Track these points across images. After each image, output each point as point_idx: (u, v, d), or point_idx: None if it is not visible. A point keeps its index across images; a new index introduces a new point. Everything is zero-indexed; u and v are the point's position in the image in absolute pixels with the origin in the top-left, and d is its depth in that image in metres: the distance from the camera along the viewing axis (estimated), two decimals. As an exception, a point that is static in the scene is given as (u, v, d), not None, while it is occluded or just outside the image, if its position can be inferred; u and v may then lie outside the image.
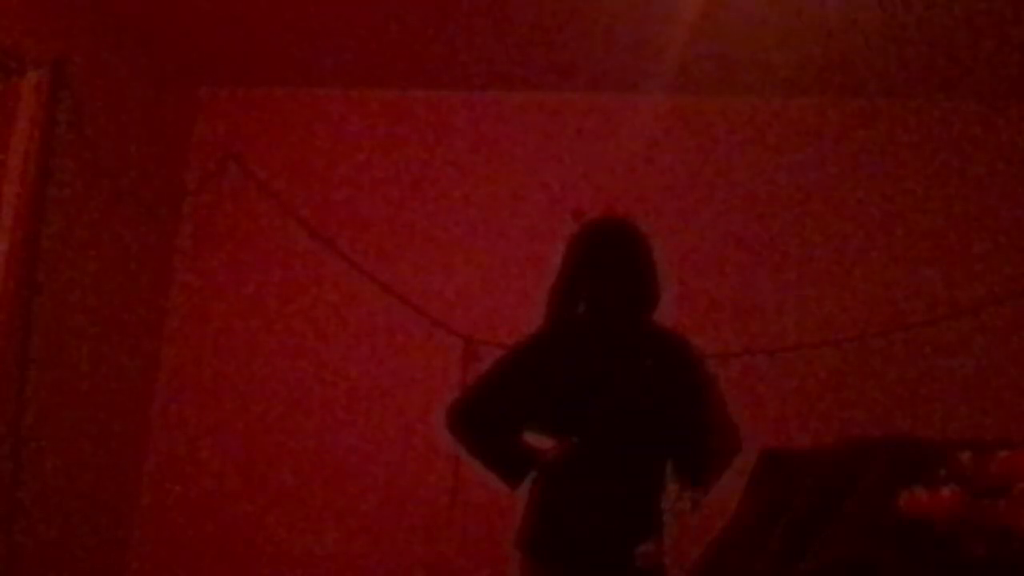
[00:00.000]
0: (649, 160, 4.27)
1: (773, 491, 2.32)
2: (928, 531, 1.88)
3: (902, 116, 4.20)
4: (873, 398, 3.99)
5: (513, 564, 2.76)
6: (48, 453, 3.75)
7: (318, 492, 4.28)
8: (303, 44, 4.17)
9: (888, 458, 2.08)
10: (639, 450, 2.67)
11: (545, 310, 2.79)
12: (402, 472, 4.23)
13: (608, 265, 2.73)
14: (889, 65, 3.93)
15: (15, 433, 3.56)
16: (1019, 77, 3.93)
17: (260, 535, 4.27)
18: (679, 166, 4.29)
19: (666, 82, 4.11)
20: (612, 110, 4.36)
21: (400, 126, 4.51)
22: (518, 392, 2.69)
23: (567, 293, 2.76)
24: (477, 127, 4.46)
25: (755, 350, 3.98)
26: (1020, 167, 4.11)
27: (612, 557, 2.60)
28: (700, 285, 4.10)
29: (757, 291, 4.16)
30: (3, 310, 3.55)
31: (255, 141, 4.56)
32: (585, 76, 4.25)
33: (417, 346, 4.31)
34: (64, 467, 3.86)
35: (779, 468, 2.43)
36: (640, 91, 4.23)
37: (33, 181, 3.62)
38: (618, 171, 4.26)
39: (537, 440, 2.75)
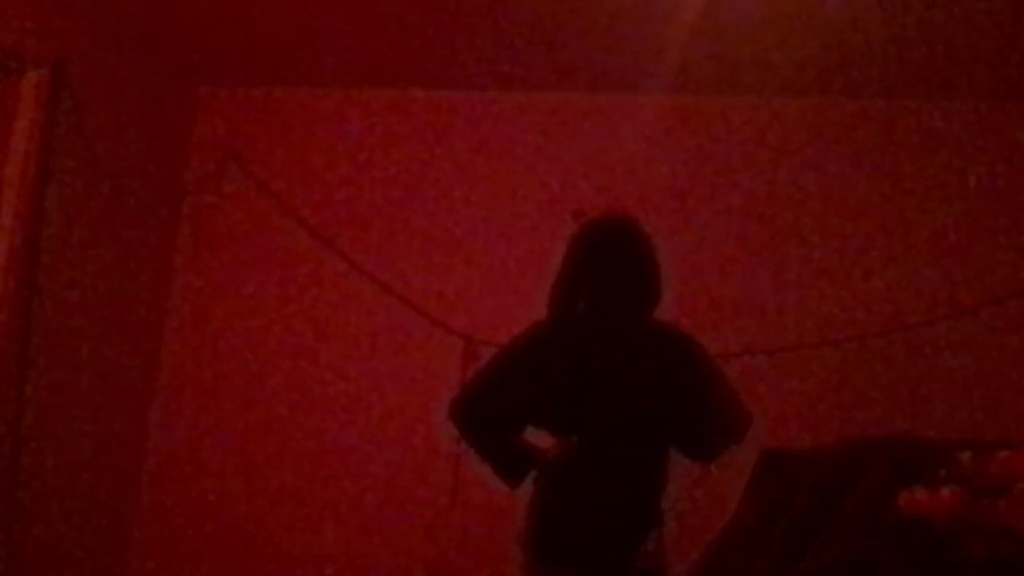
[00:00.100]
0: (649, 160, 4.27)
1: (773, 491, 2.32)
2: (928, 531, 1.88)
3: (902, 116, 4.20)
4: (873, 398, 3.98)
5: (515, 564, 2.76)
6: (48, 453, 3.75)
7: (318, 492, 4.28)
8: (303, 44, 4.17)
9: (888, 458, 2.08)
10: (639, 450, 2.67)
11: (546, 309, 2.79)
12: (402, 472, 4.23)
13: (608, 265, 2.72)
14: (889, 65, 3.93)
15: (15, 433, 3.56)
16: (1019, 77, 3.93)
17: (260, 535, 4.27)
18: (679, 166, 4.29)
19: (666, 82, 4.11)
20: (612, 110, 4.36)
21: (400, 126, 4.51)
22: (518, 392, 2.69)
23: (567, 292, 2.76)
24: (477, 127, 4.46)
25: (755, 350, 3.97)
26: (1020, 167, 4.11)
27: (612, 557, 2.60)
28: (700, 285, 4.10)
29: (757, 291, 4.16)
30: (3, 310, 3.55)
31: (255, 141, 4.56)
32: (585, 76, 4.24)
33: (417, 346, 4.31)
34: (64, 467, 3.86)
35: (779, 468, 2.43)
36: (640, 91, 4.23)
37: (33, 181, 3.62)
38: (618, 171, 4.26)
39: (538, 439, 2.75)
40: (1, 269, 3.55)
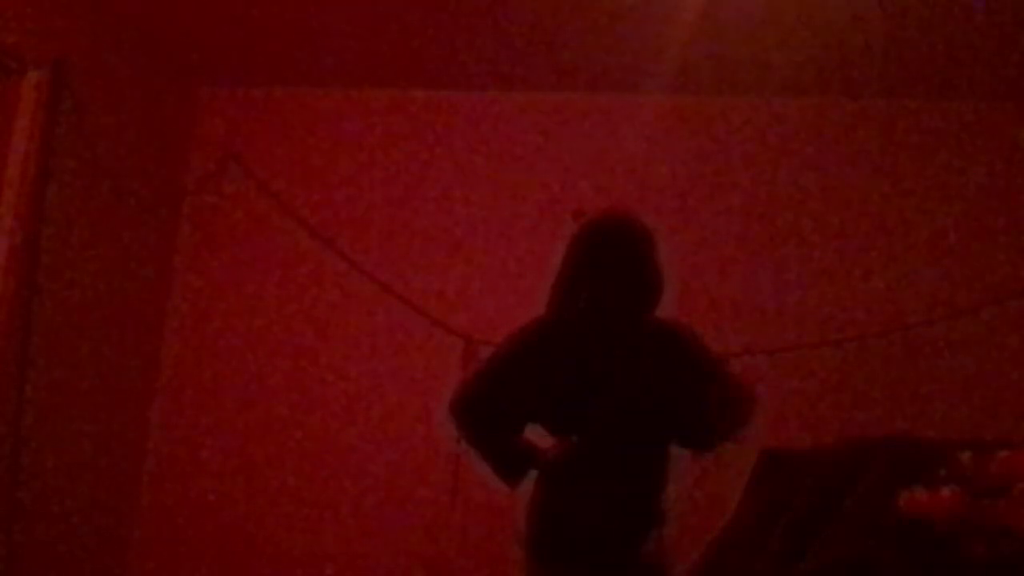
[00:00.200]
0: (649, 160, 4.27)
1: (773, 491, 2.32)
2: (928, 531, 1.88)
3: (902, 116, 4.20)
4: (873, 398, 3.99)
5: (515, 563, 2.76)
6: (48, 453, 3.75)
7: (318, 492, 4.28)
8: (303, 44, 4.18)
9: (888, 458, 2.08)
10: (639, 449, 2.66)
11: (546, 309, 2.78)
12: (402, 472, 4.23)
13: (609, 265, 2.71)
14: (889, 65, 3.93)
15: (15, 433, 3.56)
16: (1019, 77, 3.93)
17: (260, 535, 4.27)
18: (679, 166, 4.29)
19: (666, 82, 4.11)
20: (612, 110, 4.36)
21: (400, 126, 4.51)
22: (518, 391, 2.69)
23: (567, 292, 2.75)
24: (477, 127, 4.46)
25: (755, 350, 3.97)
26: (1020, 167, 4.11)
27: (613, 557, 2.60)
28: (700, 285, 4.10)
29: (757, 291, 4.16)
30: (3, 310, 3.55)
31: (255, 141, 4.56)
32: (585, 76, 4.25)
33: (417, 346, 4.31)
34: (64, 467, 3.86)
35: (779, 468, 2.43)
36: (640, 91, 4.23)
37: (33, 181, 3.62)
38: (618, 171, 4.26)
39: (538, 438, 2.75)
40: (1, 269, 3.54)
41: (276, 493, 4.30)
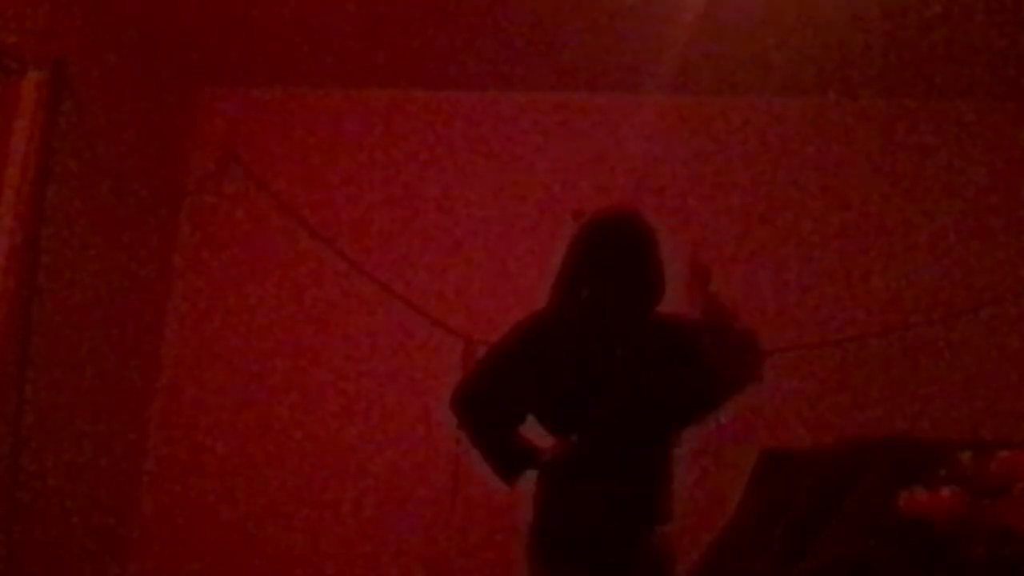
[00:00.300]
0: (649, 160, 4.27)
1: (773, 491, 2.32)
2: (928, 531, 1.88)
3: (902, 116, 4.20)
4: (873, 398, 3.99)
5: (517, 563, 2.76)
6: (48, 453, 3.75)
7: (318, 492, 4.28)
8: (303, 44, 4.17)
9: (888, 458, 2.08)
10: (640, 449, 2.66)
11: (547, 305, 2.78)
12: (402, 472, 4.23)
13: (609, 264, 2.71)
14: (889, 65, 3.93)
15: (15, 433, 3.56)
16: (1019, 77, 3.93)
17: (260, 535, 4.27)
18: (679, 166, 4.29)
19: (666, 82, 4.11)
20: (612, 110, 4.36)
21: (400, 126, 4.52)
22: (518, 389, 2.69)
23: (568, 291, 2.75)
24: (477, 127, 4.46)
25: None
26: (1020, 167, 4.11)
27: (613, 557, 2.60)
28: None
29: (757, 291, 4.16)
30: (3, 310, 3.54)
31: (255, 141, 4.56)
32: (585, 76, 4.25)
33: (417, 346, 4.31)
34: (64, 467, 3.86)
35: (779, 468, 2.43)
36: (640, 91, 4.23)
37: (33, 181, 3.61)
38: (618, 171, 4.26)
39: (538, 439, 2.74)
40: (1, 269, 3.54)
41: (276, 493, 4.30)
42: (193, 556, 4.30)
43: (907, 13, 3.55)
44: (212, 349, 4.45)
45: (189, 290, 4.53)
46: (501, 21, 3.84)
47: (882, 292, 4.10)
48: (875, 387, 4.00)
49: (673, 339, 2.72)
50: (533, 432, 2.73)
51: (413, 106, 4.51)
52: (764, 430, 3.96)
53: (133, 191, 4.18)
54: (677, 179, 4.27)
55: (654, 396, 2.67)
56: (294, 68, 4.42)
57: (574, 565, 2.62)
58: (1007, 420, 3.82)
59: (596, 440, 2.64)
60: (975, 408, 3.89)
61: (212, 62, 4.42)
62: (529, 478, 2.71)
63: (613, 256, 2.71)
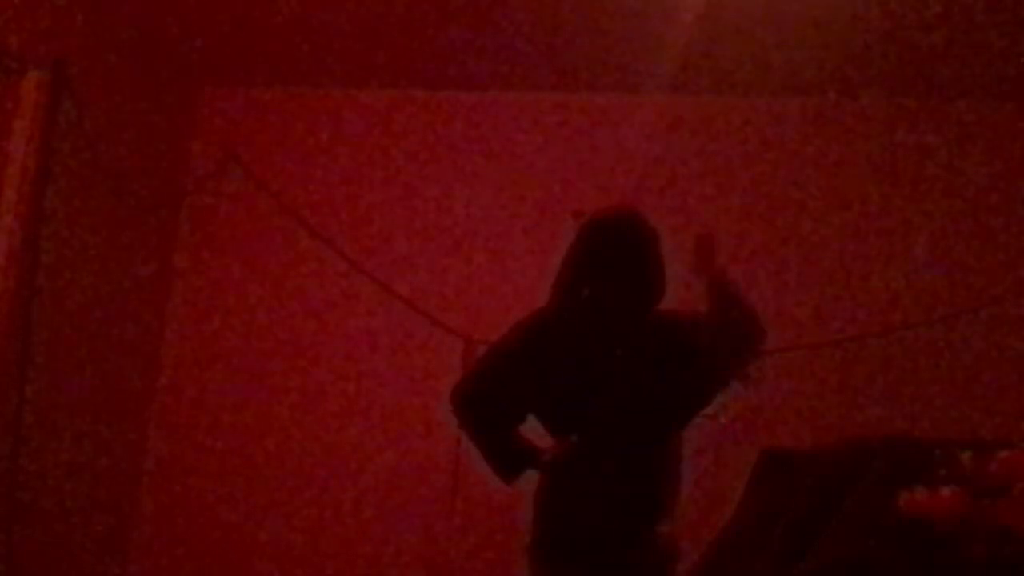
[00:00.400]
0: (649, 160, 4.27)
1: (773, 491, 2.32)
2: (928, 531, 1.87)
3: (902, 116, 4.20)
4: (873, 398, 3.99)
5: (518, 564, 2.76)
6: (48, 453, 3.75)
7: (318, 492, 4.28)
8: (303, 44, 4.17)
9: (888, 458, 2.08)
10: (640, 449, 2.66)
11: (548, 304, 2.78)
12: (402, 472, 4.23)
13: (609, 265, 2.71)
14: (889, 65, 3.93)
15: (15, 433, 3.56)
16: (1019, 77, 3.93)
17: (260, 535, 4.27)
18: (679, 166, 4.29)
19: (666, 82, 4.11)
20: (612, 110, 4.36)
21: (400, 126, 4.52)
22: (517, 388, 2.68)
23: (568, 291, 2.75)
24: (477, 127, 4.46)
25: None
26: (1020, 167, 4.11)
27: (614, 557, 2.60)
28: (699, 286, 4.09)
29: (757, 291, 4.14)
30: (3, 310, 3.54)
31: (255, 141, 4.56)
32: (585, 76, 4.25)
33: (417, 346, 4.31)
34: (64, 467, 3.86)
35: (779, 468, 2.42)
36: (640, 91, 4.23)
37: (33, 181, 3.61)
38: (618, 171, 4.26)
39: (538, 438, 2.74)
40: (1, 269, 3.54)
41: (276, 493, 4.30)
42: (193, 556, 4.30)
43: (907, 13, 3.55)
44: (212, 349, 4.45)
45: (189, 290, 4.53)
46: (501, 21, 3.84)
47: (882, 292, 4.10)
48: (875, 387, 4.00)
49: (673, 338, 2.71)
50: (533, 432, 2.73)
51: (413, 106, 4.51)
52: (764, 430, 3.96)
53: (133, 191, 4.18)
54: (677, 179, 4.27)
55: (654, 396, 2.67)
56: (294, 68, 4.42)
57: (574, 565, 2.62)
58: (1007, 420, 3.82)
59: (596, 440, 2.64)
60: (975, 408, 3.89)
61: (212, 62, 4.42)
62: (529, 478, 2.71)
63: (613, 256, 2.71)
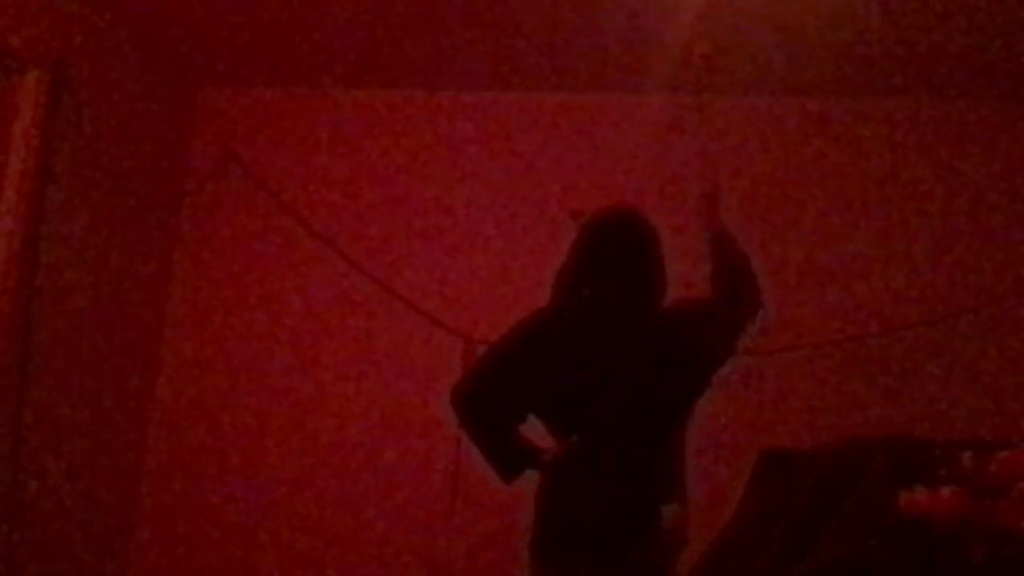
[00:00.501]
0: (649, 160, 4.27)
1: (773, 491, 2.32)
2: (928, 531, 1.87)
3: (902, 116, 4.20)
4: (873, 398, 3.99)
5: (519, 564, 2.76)
6: (48, 453, 3.75)
7: (318, 492, 4.28)
8: (303, 44, 4.17)
9: (888, 458, 2.08)
10: (641, 450, 2.66)
11: (548, 303, 2.78)
12: (402, 472, 4.23)
13: (609, 265, 2.71)
14: (889, 65, 3.93)
15: (15, 433, 3.56)
16: (1019, 77, 3.93)
17: (260, 535, 4.27)
18: (679, 166, 4.29)
19: (666, 82, 4.11)
20: (612, 110, 4.36)
21: (400, 126, 4.52)
22: (517, 388, 2.69)
23: (569, 289, 2.75)
24: (477, 127, 4.46)
25: (755, 350, 3.97)
26: (1020, 167, 4.11)
27: (613, 557, 2.60)
28: (700, 286, 4.09)
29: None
30: (3, 310, 3.54)
31: (255, 141, 4.56)
32: (585, 76, 4.25)
33: (417, 346, 4.31)
34: (64, 467, 3.86)
35: (779, 468, 2.42)
36: (640, 91, 4.23)
37: (33, 181, 3.62)
38: (618, 171, 4.26)
39: (538, 438, 2.75)
40: (1, 269, 3.54)
41: (276, 493, 4.30)
42: (193, 556, 4.30)
43: (907, 13, 3.55)
44: (212, 349, 4.45)
45: (189, 290, 4.53)
46: (501, 21, 3.84)
47: (882, 292, 4.10)
48: (875, 387, 4.00)
49: (674, 337, 2.71)
50: (533, 432, 2.73)
51: (413, 106, 4.52)
52: (764, 430, 3.96)
53: (133, 191, 4.18)
54: (677, 179, 4.27)
55: (654, 396, 2.67)
56: (294, 68, 4.42)
57: (575, 565, 2.62)
58: (1007, 420, 3.82)
59: (596, 440, 2.64)
60: (975, 408, 3.89)
61: (212, 62, 4.42)
62: (529, 478, 2.71)
63: (613, 256, 2.71)
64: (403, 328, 4.34)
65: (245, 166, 4.49)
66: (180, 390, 4.45)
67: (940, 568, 1.85)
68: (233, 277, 4.50)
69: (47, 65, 3.64)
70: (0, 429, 3.52)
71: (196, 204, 4.54)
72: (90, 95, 3.85)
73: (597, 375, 2.66)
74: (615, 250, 2.72)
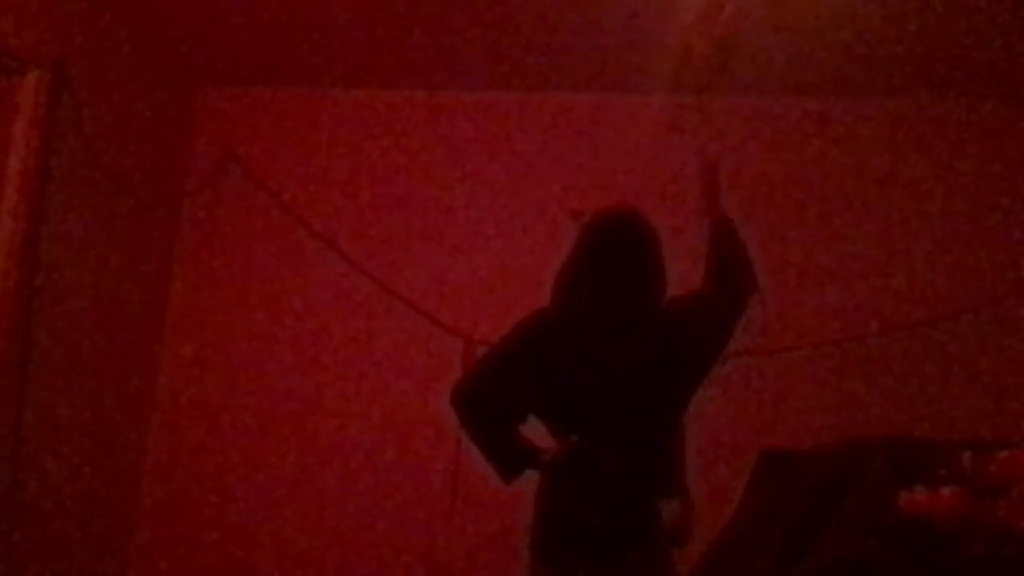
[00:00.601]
0: (649, 160, 4.27)
1: (773, 491, 2.32)
2: (928, 531, 1.88)
3: (902, 116, 4.20)
4: (873, 398, 3.99)
5: (519, 564, 2.76)
6: (48, 453, 3.75)
7: (318, 492, 4.28)
8: (303, 44, 4.17)
9: (888, 458, 2.08)
10: (641, 450, 2.66)
11: (548, 303, 2.78)
12: (402, 472, 4.23)
13: (609, 265, 2.71)
14: (890, 65, 3.93)
15: (15, 433, 3.56)
16: (1019, 77, 3.93)
17: (260, 535, 4.27)
18: (679, 166, 4.29)
19: (666, 82, 4.11)
20: (612, 110, 4.36)
21: (400, 126, 4.52)
22: (517, 388, 2.68)
23: (570, 289, 2.74)
24: (477, 127, 4.46)
25: (755, 350, 3.97)
26: (1020, 167, 4.11)
27: (613, 557, 2.59)
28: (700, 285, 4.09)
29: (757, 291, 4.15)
30: (3, 310, 3.54)
31: (255, 141, 4.56)
32: (585, 76, 4.25)
33: (417, 346, 4.31)
34: (64, 467, 3.86)
35: (779, 468, 2.43)
36: (640, 91, 4.23)
37: (33, 181, 3.62)
38: (618, 171, 4.26)
39: (538, 438, 2.74)
40: (1, 269, 3.54)
41: (276, 493, 4.30)
42: (193, 556, 4.30)
43: (907, 13, 3.55)
44: (212, 349, 4.45)
45: (189, 290, 4.53)
46: (501, 21, 3.84)
47: (882, 292, 4.10)
48: (875, 387, 4.00)
49: (674, 337, 2.71)
50: (533, 432, 2.73)
51: (413, 106, 4.52)
52: (764, 430, 3.97)
53: (133, 191, 4.18)
54: (677, 179, 4.27)
55: (654, 396, 2.67)
56: (294, 68, 4.42)
57: (575, 565, 2.62)
58: (1007, 420, 3.82)
59: (596, 440, 2.64)
60: (975, 408, 3.90)
61: (212, 62, 4.42)
62: (529, 478, 2.71)
63: (613, 256, 2.71)
64: (403, 328, 4.34)
65: (245, 166, 4.49)
66: (180, 390, 4.45)
67: (940, 568, 1.85)
68: (233, 277, 4.50)
69: (47, 65, 3.64)
70: (0, 429, 3.52)
71: (196, 204, 4.55)
72: (90, 95, 3.85)
73: (597, 375, 2.65)
74: (615, 250, 2.72)
